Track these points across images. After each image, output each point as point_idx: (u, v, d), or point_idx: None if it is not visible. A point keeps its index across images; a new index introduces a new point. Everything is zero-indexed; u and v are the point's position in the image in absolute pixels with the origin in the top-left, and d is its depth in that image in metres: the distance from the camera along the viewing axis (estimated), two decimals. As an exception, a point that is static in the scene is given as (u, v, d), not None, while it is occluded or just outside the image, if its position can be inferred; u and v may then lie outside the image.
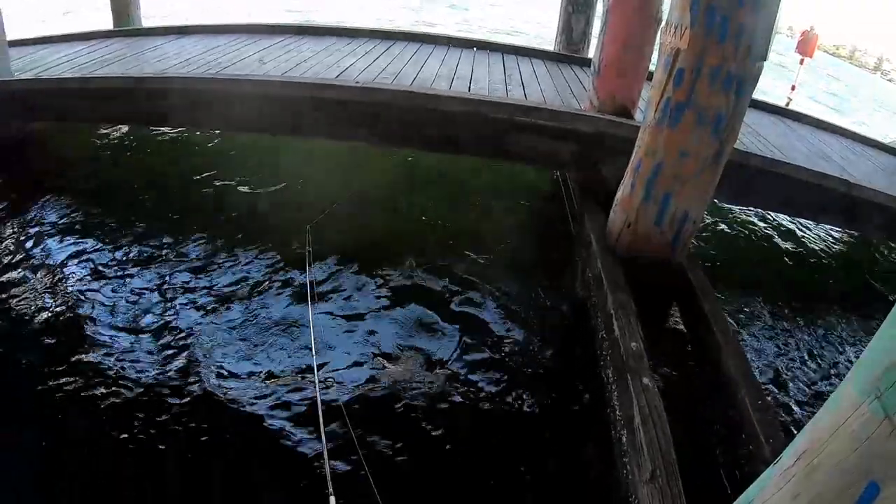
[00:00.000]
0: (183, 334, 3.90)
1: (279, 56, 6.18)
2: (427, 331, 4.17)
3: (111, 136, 6.67)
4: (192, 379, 3.55)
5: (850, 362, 4.40)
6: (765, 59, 3.58)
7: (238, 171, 6.09)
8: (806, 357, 4.55)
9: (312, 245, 4.53)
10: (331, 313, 4.21)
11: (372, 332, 4.06)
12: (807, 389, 4.19)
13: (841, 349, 4.74)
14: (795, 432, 1.92)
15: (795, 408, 3.95)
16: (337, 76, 5.53)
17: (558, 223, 5.70)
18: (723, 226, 6.49)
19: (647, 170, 3.97)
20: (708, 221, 6.29)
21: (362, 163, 6.48)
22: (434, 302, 4.46)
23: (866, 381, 1.56)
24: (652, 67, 4.36)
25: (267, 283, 4.47)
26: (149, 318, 4.02)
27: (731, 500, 2.13)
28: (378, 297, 4.44)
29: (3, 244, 4.64)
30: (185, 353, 3.74)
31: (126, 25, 7.89)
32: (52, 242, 4.70)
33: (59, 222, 4.96)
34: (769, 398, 3.09)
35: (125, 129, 6.81)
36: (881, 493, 1.50)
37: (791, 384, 4.22)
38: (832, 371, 4.43)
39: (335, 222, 5.02)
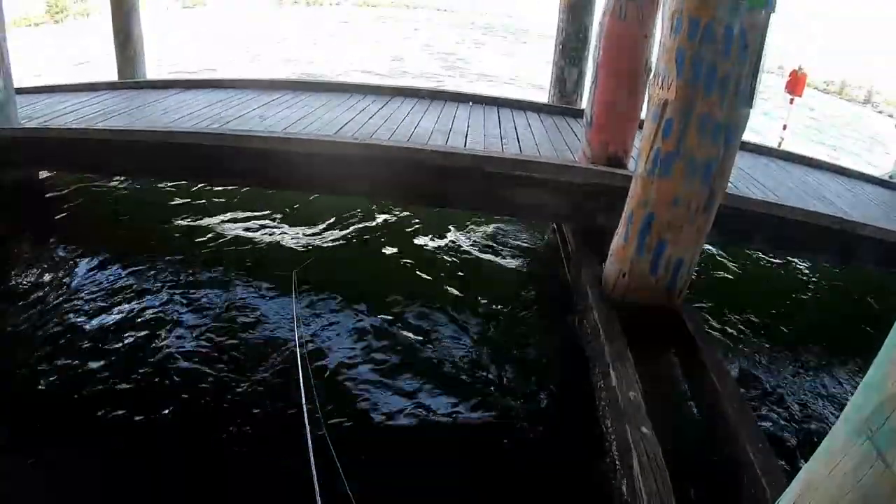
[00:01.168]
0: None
1: (279, 112, 6.33)
2: (419, 375, 4.20)
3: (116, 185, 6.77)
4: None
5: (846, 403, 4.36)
6: (751, 107, 3.65)
7: (236, 217, 6.17)
8: (805, 397, 4.54)
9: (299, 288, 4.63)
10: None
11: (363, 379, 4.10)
12: (807, 431, 4.16)
13: (840, 389, 4.73)
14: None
15: (797, 450, 3.93)
16: (335, 132, 5.65)
17: (555, 273, 5.74)
18: (718, 269, 6.52)
19: (639, 219, 4.01)
20: (703, 266, 6.34)
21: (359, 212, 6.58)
22: (426, 346, 4.51)
23: (858, 420, 1.58)
24: (643, 115, 4.47)
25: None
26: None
27: None
28: (366, 344, 4.50)
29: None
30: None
31: (130, 78, 8.08)
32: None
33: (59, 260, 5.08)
34: (769, 443, 3.05)
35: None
36: None
37: (792, 426, 4.19)
38: (833, 412, 4.41)
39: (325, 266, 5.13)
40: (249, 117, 6.01)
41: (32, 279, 4.87)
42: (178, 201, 6.64)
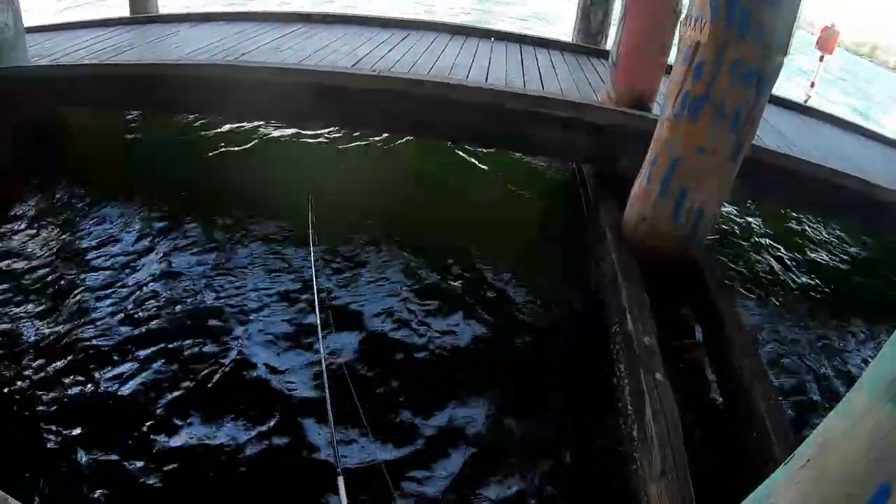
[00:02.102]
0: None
1: (295, 44, 6.17)
2: (433, 315, 4.21)
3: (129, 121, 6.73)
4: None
5: (866, 362, 4.35)
6: (786, 55, 3.52)
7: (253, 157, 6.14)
8: (819, 357, 4.50)
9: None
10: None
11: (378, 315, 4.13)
12: (819, 389, 4.14)
13: (856, 351, 4.67)
14: (806, 432, 1.89)
15: (807, 407, 3.91)
16: (353, 65, 5.51)
17: (573, 215, 5.66)
18: (739, 221, 6.41)
19: (663, 164, 3.92)
20: (724, 216, 6.22)
21: (376, 154, 6.50)
22: (443, 285, 4.52)
23: (880, 383, 1.55)
24: (671, 60, 4.31)
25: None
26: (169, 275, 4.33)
27: (741, 499, 2.11)
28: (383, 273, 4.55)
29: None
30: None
31: (143, 12, 7.90)
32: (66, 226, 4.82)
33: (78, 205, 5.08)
34: (780, 397, 3.04)
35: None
36: (893, 495, 1.47)
37: (803, 384, 4.17)
38: (846, 372, 4.37)
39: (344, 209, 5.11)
40: (265, 50, 5.86)
41: (37, 221, 4.86)
42: (196, 134, 6.57)
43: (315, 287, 3.77)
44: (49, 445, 3.00)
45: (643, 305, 3.59)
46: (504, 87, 5.34)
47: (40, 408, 3.20)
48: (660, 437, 2.66)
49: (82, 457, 2.93)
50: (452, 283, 4.60)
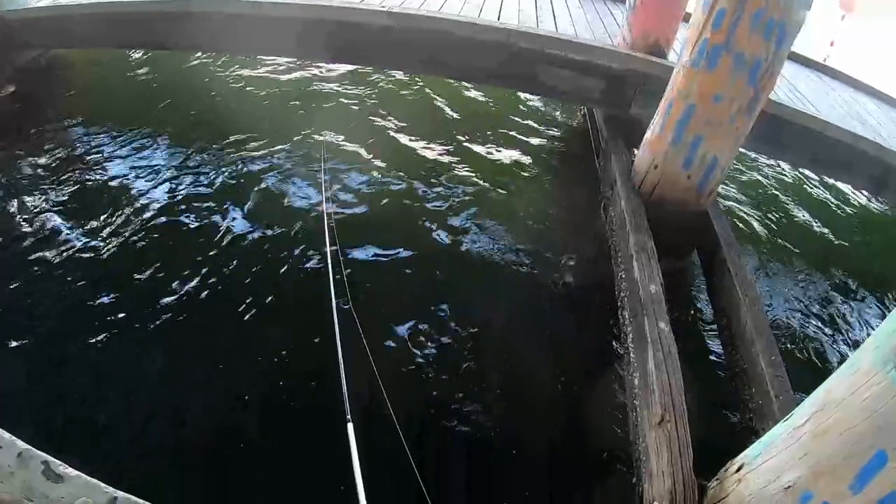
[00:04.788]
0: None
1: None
2: (439, 257, 4.26)
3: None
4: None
5: (871, 328, 4.39)
6: (809, 8, 3.40)
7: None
8: (823, 318, 4.53)
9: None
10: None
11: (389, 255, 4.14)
12: (821, 351, 4.18)
13: (860, 315, 4.69)
14: (804, 395, 1.92)
15: (807, 368, 3.95)
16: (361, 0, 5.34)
17: (584, 161, 5.60)
18: (750, 176, 6.32)
19: (678, 112, 3.85)
20: (736, 170, 6.14)
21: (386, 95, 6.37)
22: (448, 225, 4.54)
23: (884, 350, 1.57)
24: (689, 8, 4.16)
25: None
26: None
27: (738, 452, 2.20)
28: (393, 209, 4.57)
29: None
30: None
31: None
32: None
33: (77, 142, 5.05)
34: (782, 356, 3.06)
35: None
36: (889, 463, 1.52)
37: (806, 344, 4.21)
38: (849, 336, 4.40)
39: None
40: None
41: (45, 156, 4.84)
42: (198, 68, 6.45)
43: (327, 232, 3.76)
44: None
45: (650, 253, 3.59)
46: (516, 26, 5.18)
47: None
48: (661, 385, 2.69)
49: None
50: (461, 223, 4.61)
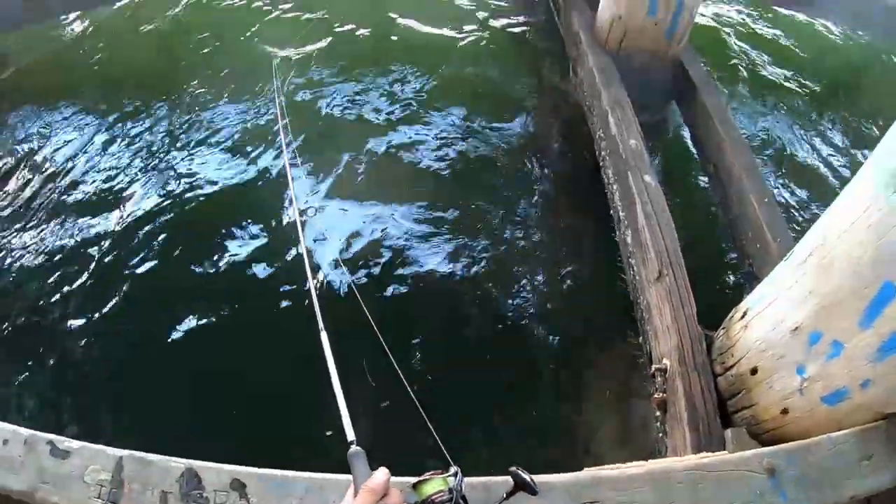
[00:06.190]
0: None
1: None
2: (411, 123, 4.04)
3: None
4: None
5: (865, 156, 4.16)
6: None
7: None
8: (817, 150, 4.30)
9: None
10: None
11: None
12: (817, 184, 3.98)
13: (856, 143, 4.44)
14: (802, 233, 1.77)
15: (804, 205, 3.78)
16: None
17: (543, 19, 5.17)
18: (720, 13, 5.91)
19: (636, -48, 3.47)
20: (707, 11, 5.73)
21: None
22: (418, 109, 4.24)
23: (886, 172, 1.40)
24: None
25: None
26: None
27: (741, 298, 2.08)
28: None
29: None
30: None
31: None
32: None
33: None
34: (776, 195, 2.87)
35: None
36: None
37: (799, 179, 4.00)
38: (846, 165, 4.19)
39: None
40: None
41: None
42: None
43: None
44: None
45: (625, 107, 3.33)
46: None
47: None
48: (654, 239, 2.52)
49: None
50: (422, 98, 4.31)
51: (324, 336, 1.56)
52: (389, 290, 3.07)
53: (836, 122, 4.69)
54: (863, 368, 1.49)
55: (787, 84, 4.98)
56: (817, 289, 1.61)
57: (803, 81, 5.04)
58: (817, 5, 5.21)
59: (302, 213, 2.93)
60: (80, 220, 3.52)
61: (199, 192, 3.61)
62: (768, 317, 1.83)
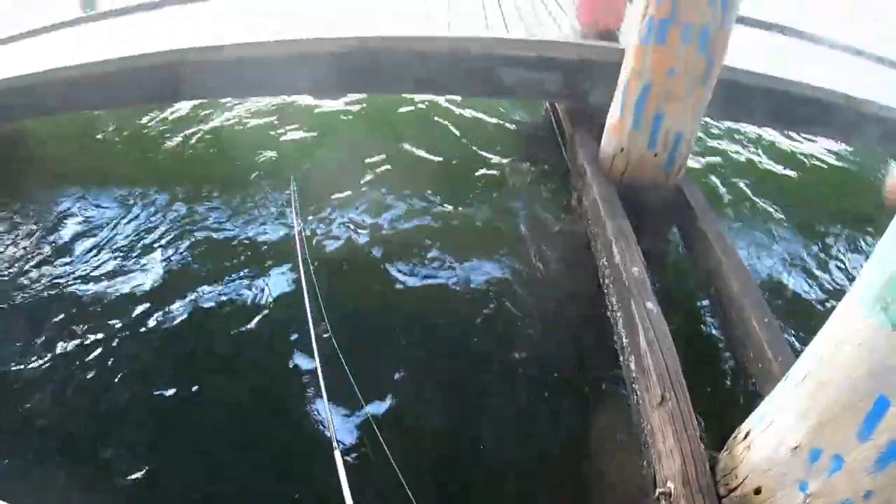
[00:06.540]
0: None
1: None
2: (422, 262, 4.24)
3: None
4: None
5: (854, 277, 4.34)
6: None
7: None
8: (810, 272, 4.50)
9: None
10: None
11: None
12: (812, 305, 4.16)
13: (844, 264, 4.66)
14: (803, 349, 1.89)
15: (802, 324, 3.90)
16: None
17: (551, 155, 5.56)
18: (717, 145, 6.30)
19: (635, 91, 3.85)
20: (703, 143, 6.12)
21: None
22: (426, 232, 4.51)
23: (871, 293, 1.55)
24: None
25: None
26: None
27: (743, 419, 2.17)
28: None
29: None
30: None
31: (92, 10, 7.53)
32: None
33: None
34: (775, 316, 3.03)
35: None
36: (892, 408, 1.49)
37: (796, 301, 4.18)
38: (837, 286, 4.37)
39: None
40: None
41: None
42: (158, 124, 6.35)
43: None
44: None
45: (628, 236, 3.58)
46: (463, 35, 5.15)
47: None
48: (656, 365, 2.67)
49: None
50: (430, 221, 4.62)
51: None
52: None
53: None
54: (863, 481, 1.57)
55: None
56: (813, 407, 1.71)
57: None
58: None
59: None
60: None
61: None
62: (770, 436, 1.92)
